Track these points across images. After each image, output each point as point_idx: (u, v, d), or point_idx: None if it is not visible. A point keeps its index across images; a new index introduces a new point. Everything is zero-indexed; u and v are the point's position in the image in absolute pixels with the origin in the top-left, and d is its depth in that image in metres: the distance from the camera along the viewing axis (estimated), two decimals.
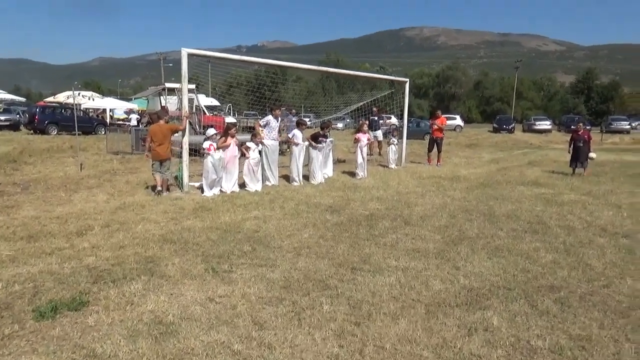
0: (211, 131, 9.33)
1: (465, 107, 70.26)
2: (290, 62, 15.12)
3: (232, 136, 9.32)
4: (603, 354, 3.16)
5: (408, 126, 17.98)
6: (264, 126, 10.26)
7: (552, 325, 3.56)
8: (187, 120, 9.52)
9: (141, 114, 29.34)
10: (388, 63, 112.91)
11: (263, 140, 9.97)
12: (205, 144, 9.03)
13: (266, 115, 11.06)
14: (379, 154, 17.70)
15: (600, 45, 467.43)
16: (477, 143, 29.94)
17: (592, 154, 12.96)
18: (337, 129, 35.62)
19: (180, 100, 11.00)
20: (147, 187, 9.31)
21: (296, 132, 10.80)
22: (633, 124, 42.88)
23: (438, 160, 15.19)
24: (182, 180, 9.24)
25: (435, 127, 15.09)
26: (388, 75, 40.91)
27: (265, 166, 10.06)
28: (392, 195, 9.22)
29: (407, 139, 16.13)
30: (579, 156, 12.71)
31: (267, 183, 9.98)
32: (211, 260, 4.98)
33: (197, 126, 17.31)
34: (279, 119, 10.77)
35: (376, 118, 18.14)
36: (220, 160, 8.99)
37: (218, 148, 9.02)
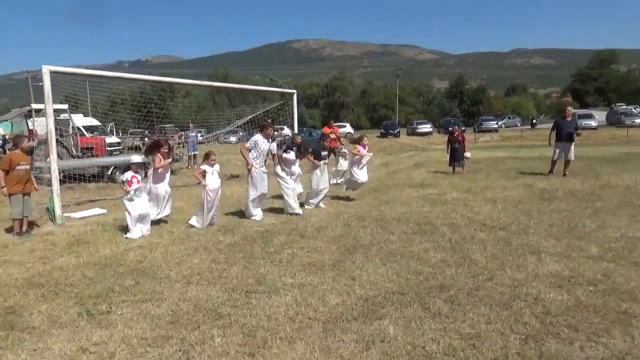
0: (136, 158, 7.44)
1: (354, 114, 73.11)
2: (175, 78, 14.56)
3: (164, 156, 7.73)
4: (492, 349, 3.26)
5: (301, 136, 18.15)
6: (251, 149, 8.14)
7: (444, 327, 3.63)
8: (60, 144, 8.53)
9: (6, 139, 26.25)
10: (278, 75, 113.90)
11: (251, 169, 8.04)
12: (126, 176, 7.10)
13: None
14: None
15: (468, 53, 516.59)
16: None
17: (467, 154, 14.02)
18: (230, 143, 35.09)
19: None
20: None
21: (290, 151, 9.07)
22: (499, 123, 47.89)
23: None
24: (53, 212, 8.28)
25: (333, 136, 15.23)
26: (278, 87, 41.20)
27: (251, 200, 8.07)
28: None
29: None
30: (456, 156, 13.69)
31: (255, 219, 8.07)
32: (86, 302, 4.42)
33: (73, 149, 15.83)
34: (271, 139, 8.68)
35: (270, 130, 17.99)
36: (141, 193, 7.20)
37: (156, 167, 7.55)
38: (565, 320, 3.69)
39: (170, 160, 7.94)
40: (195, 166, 19.10)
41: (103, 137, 19.65)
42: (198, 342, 3.52)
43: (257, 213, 8.16)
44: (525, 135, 36.93)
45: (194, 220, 7.59)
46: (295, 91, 15.86)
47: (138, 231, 7.04)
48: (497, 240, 6.17)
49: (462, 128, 16.12)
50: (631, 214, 7.31)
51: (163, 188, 7.76)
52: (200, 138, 25.50)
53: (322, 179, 9.05)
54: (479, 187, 10.75)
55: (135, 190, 7.06)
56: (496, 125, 46.34)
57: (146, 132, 24.51)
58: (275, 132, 19.04)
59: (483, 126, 45.53)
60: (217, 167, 7.77)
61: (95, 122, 22.29)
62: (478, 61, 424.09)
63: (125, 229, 7.25)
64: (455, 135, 13.82)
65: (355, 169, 9.69)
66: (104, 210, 9.37)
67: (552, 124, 12.63)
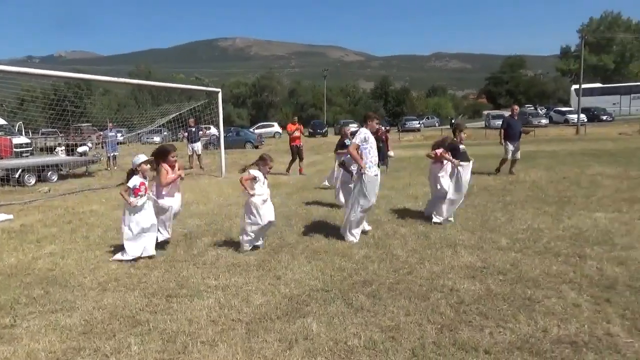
0: (141, 157, 5.80)
1: (282, 114, 73.05)
2: (92, 75, 13.82)
3: (172, 165, 6.02)
4: (410, 340, 3.39)
5: (228, 136, 17.90)
6: (362, 141, 6.34)
7: (366, 321, 3.73)
8: None
9: None
10: (204, 73, 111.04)
11: (364, 171, 6.16)
12: (134, 182, 5.61)
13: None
14: (200, 167, 17.16)
15: (392, 55, 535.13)
16: None
17: (390, 153, 14.48)
18: (154, 143, 33.80)
19: None
20: None
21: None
22: (420, 122, 50.32)
23: (300, 169, 14.84)
24: None
25: (298, 133, 14.92)
26: (205, 85, 40.21)
27: (361, 213, 6.21)
28: (212, 209, 8.91)
29: (227, 148, 15.96)
30: (380, 155, 14.08)
31: (353, 240, 6.19)
32: None
33: None
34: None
35: (194, 129, 17.55)
36: (147, 206, 5.73)
37: (164, 185, 5.89)
38: (477, 309, 3.92)
39: (180, 172, 6.13)
40: (116, 168, 18.17)
41: (9, 137, 18.19)
42: (113, 351, 3.34)
43: (357, 234, 6.29)
44: (445, 135, 38.90)
45: (246, 246, 5.84)
46: (220, 90, 15.58)
47: (135, 249, 5.60)
48: (417, 235, 6.43)
49: (387, 128, 16.58)
50: (536, 207, 7.92)
51: (171, 203, 6.08)
52: (121, 138, 24.33)
53: (461, 185, 7.05)
54: (402, 185, 11.15)
55: (142, 203, 5.62)
56: (419, 125, 48.51)
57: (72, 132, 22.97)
58: (201, 132, 18.67)
59: (407, 126, 47.46)
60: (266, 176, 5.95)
61: (0, 121, 20.56)
62: (401, 63, 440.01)
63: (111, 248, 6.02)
64: (379, 134, 14.21)
65: (448, 183, 7.21)
66: (10, 216, 8.64)
67: (502, 123, 12.55)
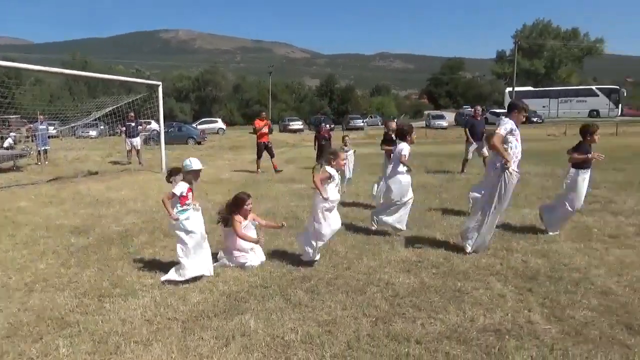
0: (195, 163, 4.89)
1: (226, 109, 71.93)
2: (22, 63, 13.05)
3: (246, 214, 5.36)
4: (346, 333, 3.48)
5: (169, 131, 17.41)
6: (507, 133, 5.58)
7: (303, 316, 3.78)
8: None
9: None
10: (145, 66, 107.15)
11: (508, 165, 5.40)
12: (181, 188, 4.74)
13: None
14: (139, 162, 16.59)
15: (337, 54, 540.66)
16: (240, 145, 30.87)
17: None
18: (90, 137, 32.35)
19: None
20: None
21: (404, 147, 6.47)
22: (364, 121, 51.40)
23: (274, 166, 14.33)
24: None
25: (266, 130, 14.52)
26: (145, 78, 38.86)
27: (495, 210, 5.48)
28: (150, 206, 8.64)
29: (169, 144, 15.54)
30: (323, 152, 14.21)
31: (469, 248, 5.45)
32: None
33: None
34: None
35: (133, 124, 16.95)
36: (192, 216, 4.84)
37: (240, 236, 5.14)
38: (410, 301, 4.08)
39: (248, 222, 5.36)
40: (47, 163, 17.19)
41: None
42: (39, 354, 3.20)
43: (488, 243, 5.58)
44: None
45: (312, 254, 5.08)
46: (160, 83, 15.16)
47: (194, 269, 4.65)
48: (357, 231, 6.57)
49: (332, 126, 16.71)
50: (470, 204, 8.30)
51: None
52: (53, 131, 23.02)
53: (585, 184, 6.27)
54: (344, 181, 11.30)
55: (187, 217, 4.77)
56: (363, 124, 49.41)
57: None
58: (140, 127, 18.04)
59: (351, 124, 48.17)
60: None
61: None
62: (346, 62, 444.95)
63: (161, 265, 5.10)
64: (322, 132, 14.36)
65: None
66: None
67: (466, 123, 12.87)
